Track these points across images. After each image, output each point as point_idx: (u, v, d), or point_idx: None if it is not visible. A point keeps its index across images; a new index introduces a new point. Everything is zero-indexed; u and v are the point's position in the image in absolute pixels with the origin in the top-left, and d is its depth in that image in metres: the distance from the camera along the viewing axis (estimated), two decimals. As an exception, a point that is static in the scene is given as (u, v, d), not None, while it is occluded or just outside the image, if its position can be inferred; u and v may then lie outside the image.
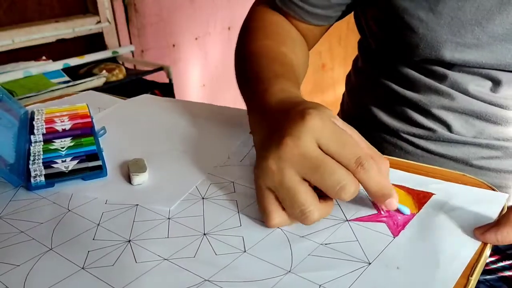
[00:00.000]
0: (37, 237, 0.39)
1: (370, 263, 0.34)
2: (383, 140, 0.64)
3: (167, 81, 1.66)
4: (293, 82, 0.50)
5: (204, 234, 0.38)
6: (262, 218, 0.39)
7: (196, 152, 0.53)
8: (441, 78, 0.57)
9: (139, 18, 1.86)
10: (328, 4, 0.60)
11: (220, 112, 0.63)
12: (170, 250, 0.37)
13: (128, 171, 0.48)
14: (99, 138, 0.56)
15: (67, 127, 0.58)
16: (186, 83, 2.14)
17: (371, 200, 0.41)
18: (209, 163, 0.50)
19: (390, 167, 0.47)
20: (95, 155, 0.50)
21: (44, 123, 0.58)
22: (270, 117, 0.43)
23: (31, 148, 0.52)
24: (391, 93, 0.62)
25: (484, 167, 0.58)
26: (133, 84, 1.60)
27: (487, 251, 0.35)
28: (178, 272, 0.34)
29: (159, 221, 0.41)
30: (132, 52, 1.83)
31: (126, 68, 1.66)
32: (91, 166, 0.49)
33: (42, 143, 0.53)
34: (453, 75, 0.56)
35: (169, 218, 0.41)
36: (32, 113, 0.61)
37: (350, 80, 0.74)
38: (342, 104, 0.77)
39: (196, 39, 2.10)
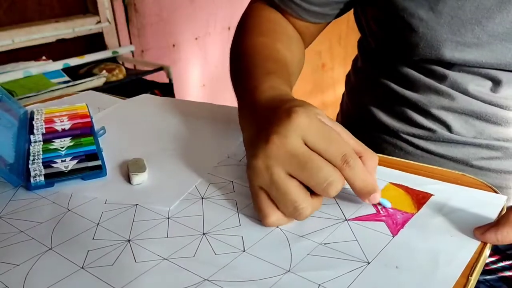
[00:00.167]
0: (37, 237, 0.39)
1: (369, 263, 0.34)
2: (382, 140, 0.64)
3: (167, 81, 1.67)
4: (284, 80, 0.50)
5: (204, 233, 0.38)
6: (258, 217, 0.39)
7: (196, 152, 0.53)
8: (441, 78, 0.57)
9: (139, 18, 1.86)
10: (325, 1, 0.60)
11: (219, 111, 0.63)
12: (169, 249, 0.37)
13: (127, 171, 0.48)
14: (98, 138, 0.56)
15: (67, 127, 0.58)
16: (186, 83, 2.14)
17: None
18: (209, 163, 0.50)
19: (390, 167, 0.47)
20: (95, 155, 0.51)
21: (43, 123, 0.58)
22: (258, 114, 0.43)
23: (31, 148, 0.52)
24: (391, 93, 0.62)
25: (484, 167, 0.58)
26: (133, 84, 1.60)
27: (487, 251, 0.35)
28: (177, 271, 0.34)
29: (159, 220, 0.41)
30: (132, 52, 1.83)
31: (126, 68, 1.66)
32: (90, 166, 0.49)
33: (41, 143, 0.54)
34: (453, 75, 0.56)
35: (168, 218, 0.41)
36: (32, 113, 0.62)
37: (349, 80, 0.74)
38: (341, 104, 0.77)
39: (196, 39, 2.10)
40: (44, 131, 0.56)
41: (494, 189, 0.42)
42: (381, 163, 0.48)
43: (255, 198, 0.39)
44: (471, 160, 0.58)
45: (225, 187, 0.45)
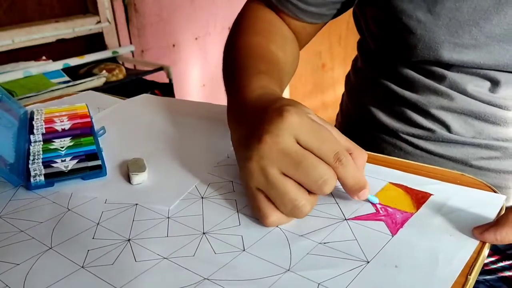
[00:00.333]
0: (37, 236, 0.39)
1: (368, 262, 0.34)
2: (382, 140, 0.64)
3: (167, 81, 1.67)
4: (275, 80, 0.50)
5: (204, 233, 0.39)
6: (257, 218, 0.39)
7: (195, 152, 0.53)
8: (440, 79, 0.57)
9: (139, 18, 1.86)
10: (322, 2, 0.60)
11: (219, 111, 0.63)
12: (169, 249, 0.37)
13: (127, 171, 0.48)
14: (98, 138, 0.56)
15: (67, 127, 0.58)
16: (186, 83, 2.14)
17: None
18: (209, 163, 0.50)
19: (390, 167, 0.47)
20: (95, 155, 0.51)
21: (43, 123, 0.58)
22: (247, 114, 0.43)
23: (31, 147, 0.52)
24: (390, 94, 0.62)
25: (483, 167, 0.58)
26: (133, 84, 1.60)
27: (486, 250, 0.35)
28: (177, 271, 0.34)
29: (159, 220, 0.41)
30: (132, 52, 1.83)
31: (126, 68, 1.66)
32: (90, 166, 0.49)
33: (41, 142, 0.54)
34: (451, 75, 0.56)
35: (168, 217, 0.41)
36: (32, 113, 0.62)
37: (349, 80, 0.74)
38: (341, 104, 0.77)
39: (196, 39, 2.11)
40: (44, 131, 0.56)
41: (493, 189, 0.43)
42: (381, 163, 0.48)
43: (253, 199, 0.39)
44: (470, 160, 0.58)
45: (224, 186, 0.45)
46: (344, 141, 0.40)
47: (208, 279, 0.33)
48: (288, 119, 0.37)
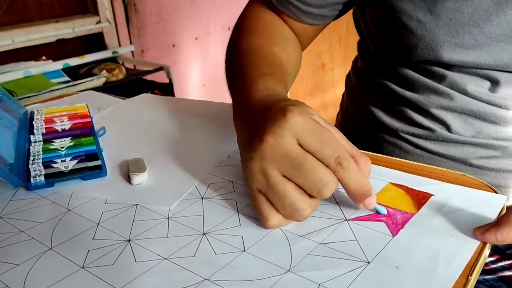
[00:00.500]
0: (37, 237, 0.39)
1: (369, 262, 0.34)
2: (382, 140, 0.64)
3: (167, 81, 1.67)
4: (279, 81, 0.50)
5: (204, 233, 0.38)
6: (259, 220, 0.39)
7: (196, 152, 0.53)
8: (440, 79, 0.57)
9: (139, 18, 1.86)
10: (323, 3, 0.60)
11: (220, 110, 0.63)
12: (169, 249, 0.37)
13: (127, 171, 0.48)
14: (98, 138, 0.56)
15: (67, 127, 0.58)
16: (186, 83, 2.14)
17: None
18: (209, 163, 0.50)
19: (390, 167, 0.47)
20: (95, 155, 0.51)
21: (43, 123, 0.58)
22: (252, 114, 0.43)
23: (31, 148, 0.52)
24: (391, 93, 0.62)
25: (483, 166, 0.58)
26: (133, 84, 1.60)
27: (486, 250, 0.35)
28: (177, 271, 0.34)
29: (159, 220, 0.41)
30: (132, 52, 1.83)
31: (126, 68, 1.66)
32: (90, 166, 0.49)
33: (41, 143, 0.54)
34: (451, 75, 0.56)
35: (168, 218, 0.41)
36: (32, 113, 0.62)
37: (350, 80, 0.74)
38: (341, 104, 0.77)
39: (196, 39, 2.11)
40: (44, 131, 0.56)
41: (494, 189, 0.42)
42: (381, 163, 0.48)
43: (254, 201, 0.39)
44: (470, 159, 0.58)
45: (225, 187, 0.45)
46: (348, 146, 0.40)
47: (208, 280, 0.33)
48: (291, 120, 0.37)
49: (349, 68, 0.76)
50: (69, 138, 0.55)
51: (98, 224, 0.40)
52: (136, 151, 0.53)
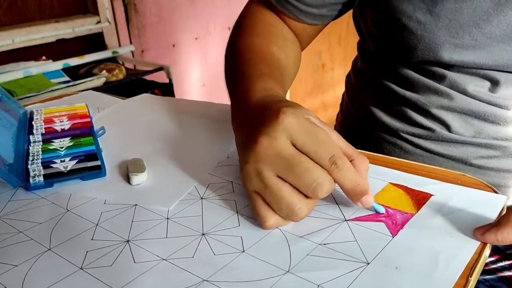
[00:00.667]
0: (36, 237, 0.39)
1: (368, 263, 0.34)
2: (382, 139, 0.64)
3: (167, 81, 1.66)
4: (277, 82, 0.50)
5: (203, 234, 0.38)
6: (257, 221, 0.39)
7: (195, 152, 0.53)
8: (440, 79, 0.57)
9: (139, 18, 1.86)
10: (322, 3, 0.60)
11: (219, 110, 0.63)
12: (168, 250, 0.36)
13: (127, 171, 0.48)
14: (98, 138, 0.56)
15: (66, 127, 0.58)
16: (186, 83, 2.14)
17: None
18: (208, 163, 0.50)
19: (390, 167, 0.47)
20: (94, 155, 0.50)
21: (43, 123, 0.58)
22: (249, 116, 0.43)
23: (30, 148, 0.52)
24: (391, 93, 0.62)
25: (483, 166, 0.58)
26: (133, 84, 1.60)
27: (487, 251, 0.35)
28: (176, 272, 0.34)
29: (158, 221, 0.40)
30: (132, 52, 1.83)
31: (126, 68, 1.66)
32: (90, 166, 0.48)
33: (41, 143, 0.53)
34: (451, 75, 0.56)
35: (167, 218, 0.41)
36: (31, 113, 0.61)
37: (350, 80, 0.74)
38: (341, 104, 0.77)
39: (196, 39, 2.10)
40: (43, 131, 0.56)
41: (494, 189, 0.42)
42: (381, 163, 0.48)
43: (252, 202, 0.39)
44: (470, 159, 0.58)
45: (224, 187, 0.45)
46: (345, 146, 0.40)
47: (207, 281, 0.33)
48: (284, 121, 0.37)
49: (349, 68, 0.76)
50: (69, 138, 0.54)
51: (97, 224, 0.40)
52: (136, 151, 0.53)
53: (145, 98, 0.71)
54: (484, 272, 0.59)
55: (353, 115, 0.71)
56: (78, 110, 0.62)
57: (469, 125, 0.57)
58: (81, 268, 0.35)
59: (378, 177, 0.45)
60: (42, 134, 0.55)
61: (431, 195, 0.42)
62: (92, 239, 0.38)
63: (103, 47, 1.72)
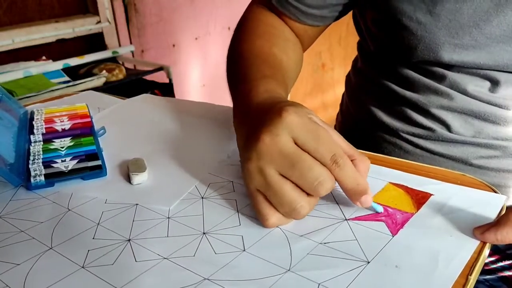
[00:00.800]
0: (37, 236, 0.39)
1: (369, 262, 0.34)
2: (382, 139, 0.64)
3: (167, 81, 1.67)
4: (279, 83, 0.51)
5: (204, 233, 0.39)
6: (258, 219, 0.39)
7: (196, 152, 0.53)
8: (440, 79, 0.57)
9: (139, 18, 1.86)
10: (323, 4, 0.60)
11: (219, 111, 0.63)
12: (169, 249, 0.37)
13: (127, 171, 0.48)
14: (98, 138, 0.56)
15: (67, 127, 0.58)
16: (186, 83, 2.14)
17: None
18: (209, 162, 0.50)
19: (390, 167, 0.47)
20: (95, 155, 0.51)
21: (43, 123, 0.58)
22: (251, 116, 0.44)
23: (31, 147, 0.52)
24: (391, 93, 0.62)
25: (483, 166, 0.58)
26: (133, 84, 1.60)
27: (486, 250, 0.35)
28: (177, 271, 0.34)
29: (159, 220, 0.41)
30: (132, 52, 1.83)
31: (126, 68, 1.66)
32: (90, 166, 0.49)
33: (41, 143, 0.54)
34: (452, 75, 0.56)
35: (168, 218, 0.41)
36: (32, 113, 0.62)
37: (350, 80, 0.74)
38: (341, 104, 0.77)
39: (196, 39, 2.11)
40: (44, 131, 0.56)
41: (493, 189, 0.43)
42: (381, 163, 0.48)
43: (253, 200, 0.39)
44: (470, 159, 0.58)
45: (225, 186, 0.45)
46: (346, 146, 0.40)
47: (208, 279, 0.33)
48: (286, 119, 0.37)
49: (349, 68, 0.76)
50: (69, 138, 0.55)
51: (98, 223, 0.40)
52: (136, 151, 0.53)
53: (145, 98, 0.71)
54: (484, 272, 0.59)
55: (353, 115, 0.71)
56: (79, 110, 0.63)
57: (469, 125, 0.57)
58: (82, 267, 0.35)
59: (378, 176, 0.45)
60: (42, 134, 0.56)
61: (431, 194, 0.42)
62: (93, 238, 0.38)
63: (103, 47, 1.72)
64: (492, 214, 0.39)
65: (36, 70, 1.45)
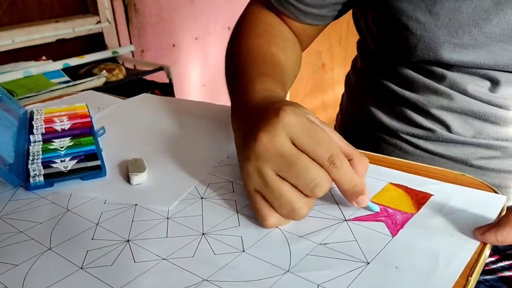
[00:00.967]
0: (36, 237, 0.39)
1: (368, 263, 0.34)
2: (382, 140, 0.64)
3: (167, 81, 1.67)
4: (277, 82, 0.50)
5: (203, 233, 0.38)
6: (257, 220, 0.39)
7: (195, 152, 0.53)
8: (440, 79, 0.57)
9: (139, 18, 1.86)
10: (322, 3, 0.60)
11: (219, 111, 0.63)
12: (168, 249, 0.37)
13: (127, 171, 0.48)
14: (98, 138, 0.56)
15: (66, 127, 0.58)
16: (186, 83, 2.14)
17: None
18: (208, 163, 0.50)
19: (390, 167, 0.47)
20: (94, 155, 0.50)
21: (43, 123, 0.58)
22: (249, 116, 0.43)
23: (30, 148, 0.52)
24: (390, 94, 0.62)
25: (484, 167, 0.58)
26: (133, 84, 1.60)
27: (487, 251, 0.35)
28: (176, 271, 0.34)
29: (158, 220, 0.40)
30: (132, 52, 1.83)
31: (126, 68, 1.66)
32: (90, 166, 0.49)
33: (41, 143, 0.53)
34: (451, 75, 0.56)
35: (168, 218, 0.41)
36: (32, 113, 0.62)
37: (349, 80, 0.74)
38: (341, 104, 0.77)
39: (196, 39, 2.10)
40: (43, 131, 0.56)
41: (494, 189, 0.42)
42: (380, 163, 0.48)
43: (252, 201, 0.39)
44: (470, 160, 0.58)
45: (224, 187, 0.45)
46: (344, 146, 0.40)
47: (207, 280, 0.33)
48: (284, 119, 0.37)
49: (349, 68, 0.76)
50: (69, 138, 0.55)
51: (97, 224, 0.40)
52: (136, 151, 0.53)
53: (145, 98, 0.71)
54: (484, 272, 0.59)
55: (352, 115, 0.71)
56: (78, 110, 0.63)
57: (469, 126, 0.57)
58: (81, 268, 0.35)
59: (378, 177, 0.45)
60: (42, 134, 0.56)
61: (431, 195, 0.42)
62: (92, 239, 0.38)
63: (103, 47, 1.72)
64: (492, 214, 0.39)
65: (36, 70, 1.45)
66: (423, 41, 0.53)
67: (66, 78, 1.50)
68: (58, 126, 0.58)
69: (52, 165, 0.49)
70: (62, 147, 0.52)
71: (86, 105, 0.64)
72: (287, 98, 0.48)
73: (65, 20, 1.61)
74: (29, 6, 1.57)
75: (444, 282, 0.32)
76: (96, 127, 0.59)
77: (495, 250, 0.60)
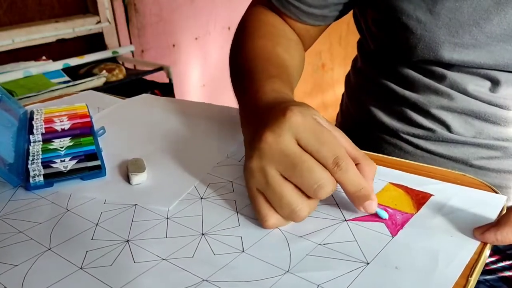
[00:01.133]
0: (36, 237, 0.39)
1: (368, 263, 0.34)
2: (382, 140, 0.64)
3: (167, 81, 1.67)
4: (285, 83, 0.50)
5: (203, 234, 0.38)
6: (258, 220, 0.39)
7: (195, 152, 0.53)
8: (440, 78, 0.57)
9: (139, 18, 1.86)
10: (324, 3, 0.60)
11: (219, 111, 0.63)
12: (168, 250, 0.36)
13: (127, 171, 0.48)
14: (98, 138, 0.56)
15: (66, 127, 0.58)
16: (186, 83, 2.14)
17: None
18: (208, 163, 0.50)
19: (390, 167, 0.47)
20: (94, 155, 0.50)
21: (43, 123, 0.58)
22: (258, 116, 0.43)
23: (30, 147, 0.52)
24: (391, 93, 0.62)
25: (484, 167, 0.58)
26: (133, 84, 1.60)
27: (487, 251, 0.35)
28: (176, 272, 0.34)
29: (158, 221, 0.40)
30: (132, 52, 1.83)
31: (126, 68, 1.66)
32: (90, 166, 0.48)
33: (41, 143, 0.53)
34: (452, 75, 0.56)
35: (167, 218, 0.41)
36: (31, 113, 0.62)
37: (349, 80, 0.74)
38: (341, 104, 0.77)
39: (196, 39, 2.10)
40: (43, 131, 0.56)
41: (494, 189, 0.42)
42: (381, 163, 0.48)
43: (253, 200, 0.39)
44: (470, 160, 0.58)
45: (224, 187, 0.45)
46: (351, 148, 0.39)
47: (207, 281, 0.33)
48: (290, 119, 0.37)
49: (349, 68, 0.76)
50: (69, 138, 0.55)
51: (97, 224, 0.40)
52: (136, 151, 0.53)
53: (145, 98, 0.71)
54: (484, 272, 0.59)
55: (353, 115, 0.71)
56: (78, 110, 0.63)
57: (470, 126, 0.57)
58: (81, 268, 0.35)
59: (377, 177, 0.45)
60: (42, 134, 0.55)
61: (431, 195, 0.42)
62: (92, 239, 0.38)
63: (103, 47, 1.72)
64: (492, 214, 0.39)
65: (36, 70, 1.45)
66: (423, 41, 0.53)
67: (66, 78, 1.50)
68: (58, 126, 0.58)
69: (52, 165, 0.48)
70: (62, 147, 0.52)
71: (86, 105, 0.64)
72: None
73: (65, 20, 1.61)
74: (29, 6, 1.57)
75: (444, 282, 0.31)
76: (96, 127, 0.59)
77: (495, 250, 0.60)
